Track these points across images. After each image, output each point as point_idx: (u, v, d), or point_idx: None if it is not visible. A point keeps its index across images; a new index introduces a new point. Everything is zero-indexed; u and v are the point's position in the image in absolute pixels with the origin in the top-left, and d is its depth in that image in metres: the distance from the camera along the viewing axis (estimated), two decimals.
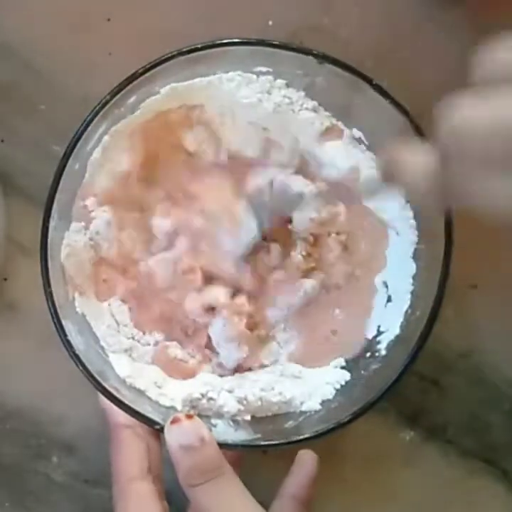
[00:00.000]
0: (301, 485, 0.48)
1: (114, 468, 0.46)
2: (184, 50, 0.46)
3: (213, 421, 0.48)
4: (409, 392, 0.54)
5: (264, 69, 0.48)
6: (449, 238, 0.46)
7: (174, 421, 0.43)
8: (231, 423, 0.48)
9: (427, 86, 0.54)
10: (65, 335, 0.45)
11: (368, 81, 0.46)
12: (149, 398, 0.47)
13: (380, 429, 0.55)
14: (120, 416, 0.46)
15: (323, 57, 0.46)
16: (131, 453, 0.46)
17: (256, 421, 0.49)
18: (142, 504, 0.44)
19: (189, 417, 0.43)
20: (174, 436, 0.43)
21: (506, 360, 0.55)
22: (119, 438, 0.46)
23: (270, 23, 0.54)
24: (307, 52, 0.47)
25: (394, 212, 0.50)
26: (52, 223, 0.45)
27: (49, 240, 0.45)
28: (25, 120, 0.53)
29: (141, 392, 0.47)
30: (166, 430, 0.43)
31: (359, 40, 0.54)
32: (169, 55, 0.46)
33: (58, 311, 0.45)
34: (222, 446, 0.43)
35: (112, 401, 0.44)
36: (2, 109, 0.53)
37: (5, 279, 0.54)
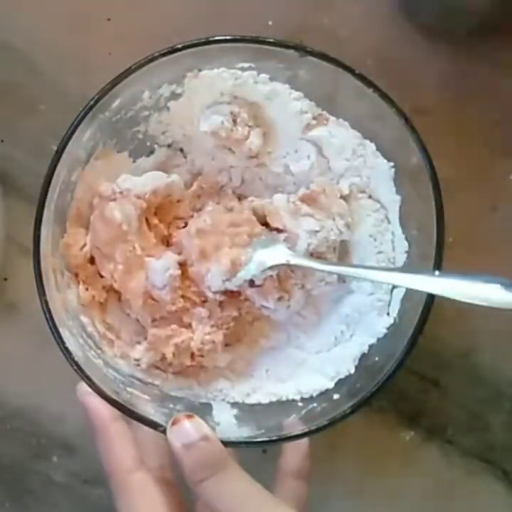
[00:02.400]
0: (295, 460, 0.48)
1: (108, 463, 0.46)
2: (163, 51, 0.45)
3: (216, 419, 0.48)
4: (409, 392, 0.54)
5: (246, 65, 0.48)
6: (440, 227, 0.45)
7: (175, 422, 0.43)
8: (234, 420, 0.48)
9: (428, 86, 0.54)
10: (63, 342, 0.44)
11: (351, 71, 0.46)
12: (151, 400, 0.47)
13: (380, 429, 0.55)
14: (105, 410, 0.45)
15: (305, 51, 0.46)
16: (124, 445, 0.46)
17: (259, 417, 0.49)
18: (146, 493, 0.45)
19: (189, 417, 0.43)
20: (176, 437, 0.43)
21: (506, 360, 0.55)
22: (108, 432, 0.46)
23: (270, 23, 0.54)
24: (287, 46, 0.46)
25: (386, 197, 0.49)
26: (43, 232, 0.44)
27: (42, 249, 0.44)
28: (25, 120, 0.53)
29: (142, 394, 0.47)
30: (167, 432, 0.43)
31: (359, 40, 0.54)
32: (150, 57, 0.45)
33: (55, 318, 0.44)
34: (226, 444, 0.44)
35: (114, 406, 0.44)
36: (2, 109, 0.53)
37: (5, 279, 0.54)
